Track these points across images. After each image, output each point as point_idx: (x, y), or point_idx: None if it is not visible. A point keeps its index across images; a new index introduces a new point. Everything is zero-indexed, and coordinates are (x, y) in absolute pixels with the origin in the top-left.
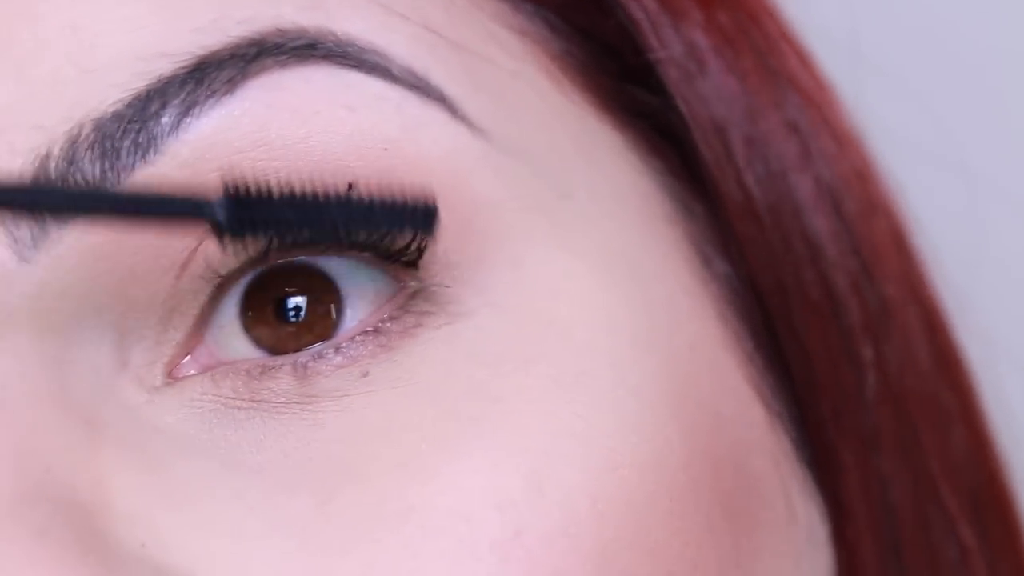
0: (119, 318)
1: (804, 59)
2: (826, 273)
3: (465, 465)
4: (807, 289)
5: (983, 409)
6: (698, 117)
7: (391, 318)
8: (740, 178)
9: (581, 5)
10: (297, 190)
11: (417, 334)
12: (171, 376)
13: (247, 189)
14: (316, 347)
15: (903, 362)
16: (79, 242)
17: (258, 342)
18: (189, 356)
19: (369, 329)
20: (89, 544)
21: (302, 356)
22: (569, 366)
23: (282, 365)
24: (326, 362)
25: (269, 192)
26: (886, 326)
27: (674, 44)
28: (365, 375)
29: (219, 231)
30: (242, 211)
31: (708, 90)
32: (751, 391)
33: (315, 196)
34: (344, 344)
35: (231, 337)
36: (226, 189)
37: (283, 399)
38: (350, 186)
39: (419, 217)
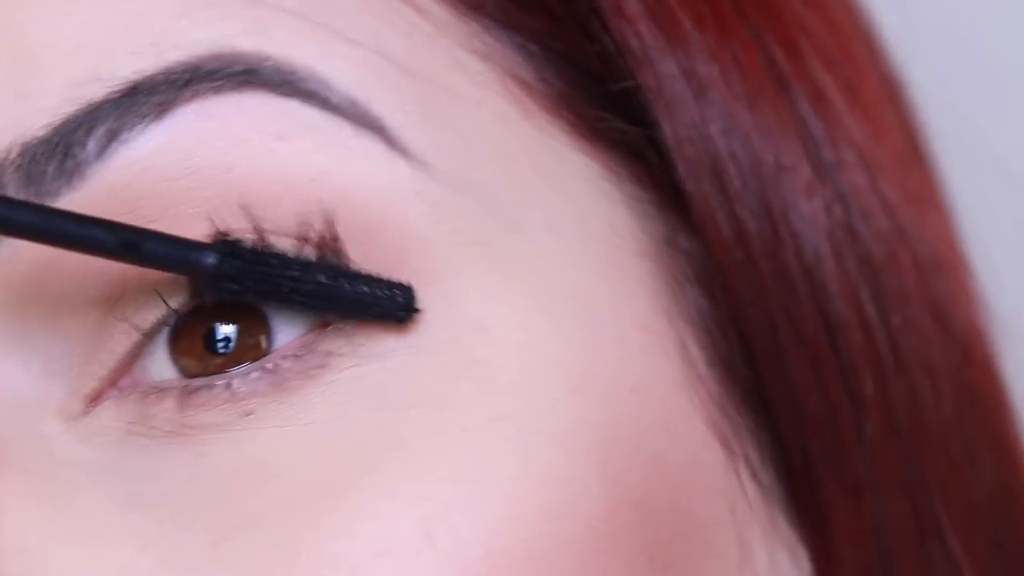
0: (47, 345)
1: (848, 80)
2: (825, 307)
3: (355, 512)
4: (800, 324)
5: (1019, 448)
6: (685, 147)
7: (294, 356)
8: (731, 210)
9: (562, 31)
10: (287, 256)
11: (318, 375)
12: (90, 405)
13: (241, 245)
14: (212, 377)
15: (915, 399)
16: (8, 265)
17: (184, 372)
18: (114, 387)
19: (267, 367)
20: None
21: (194, 383)
22: (484, 410)
23: (171, 390)
24: (212, 394)
25: (261, 252)
26: (895, 361)
27: (667, 72)
28: (249, 414)
29: (202, 287)
30: (232, 266)
31: (705, 118)
32: (708, 433)
33: (302, 269)
34: (236, 380)
35: (160, 367)
36: (221, 242)
37: (167, 427)
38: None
39: (397, 308)
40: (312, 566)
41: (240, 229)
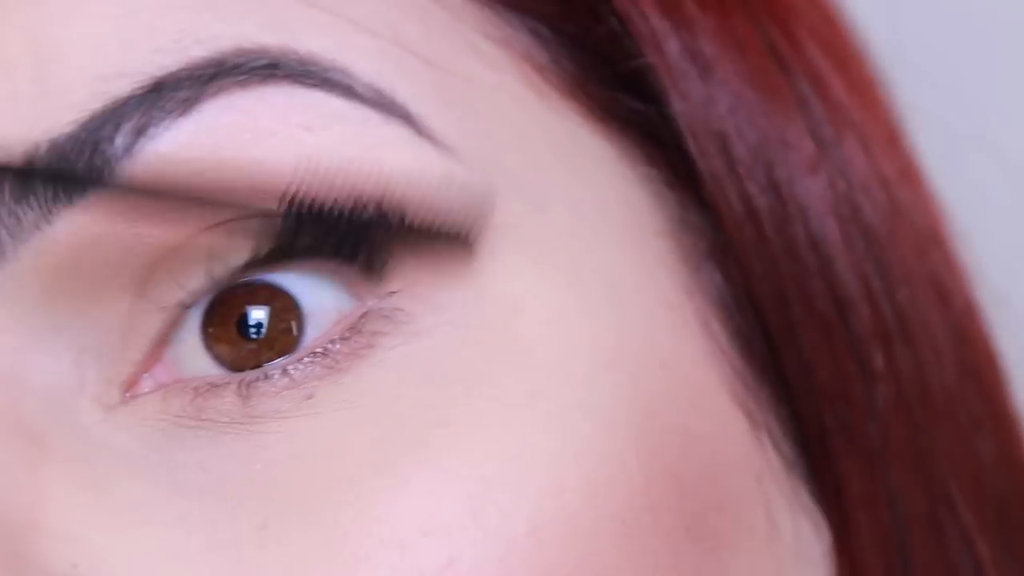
0: (78, 336)
1: (841, 61)
2: (834, 281)
3: (402, 491)
4: (811, 298)
5: (1016, 418)
6: (696, 126)
7: (341, 339)
8: (741, 186)
9: (571, 14)
10: None
11: (368, 355)
12: (128, 394)
13: None
14: (267, 366)
15: (921, 371)
16: (36, 260)
17: (218, 359)
18: (148, 374)
19: (318, 350)
20: (10, 565)
21: (249, 375)
22: (522, 387)
23: (228, 384)
24: (271, 383)
25: None
26: (902, 334)
27: (673, 51)
28: (309, 397)
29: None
30: None
31: (711, 97)
32: (733, 406)
33: None
34: (291, 366)
35: (192, 354)
36: None
37: (227, 419)
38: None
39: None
40: (359, 546)
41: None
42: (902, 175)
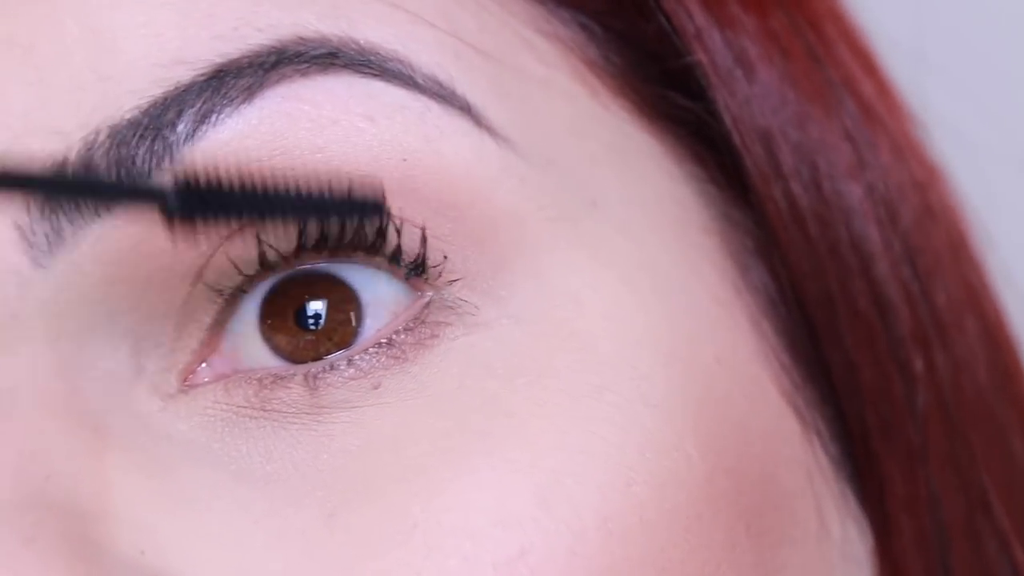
0: (135, 324)
1: (868, 65)
2: (876, 282)
3: (472, 481)
4: (855, 299)
5: None
6: (742, 123)
7: (406, 329)
8: (786, 186)
9: (620, 10)
10: (247, 179)
11: (432, 345)
12: (186, 383)
13: (197, 177)
14: (330, 357)
15: (957, 374)
16: (95, 248)
17: (276, 350)
18: (205, 363)
19: (383, 341)
20: (80, 551)
21: (314, 367)
22: (586, 380)
23: (294, 375)
24: (338, 374)
25: (219, 180)
26: (939, 337)
27: (719, 50)
28: (377, 387)
29: (168, 215)
30: (191, 197)
31: (756, 96)
32: (784, 404)
33: (264, 184)
34: (357, 356)
35: (250, 344)
36: (176, 177)
37: (293, 409)
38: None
39: (367, 206)
40: (430, 535)
41: None
42: (931, 177)
